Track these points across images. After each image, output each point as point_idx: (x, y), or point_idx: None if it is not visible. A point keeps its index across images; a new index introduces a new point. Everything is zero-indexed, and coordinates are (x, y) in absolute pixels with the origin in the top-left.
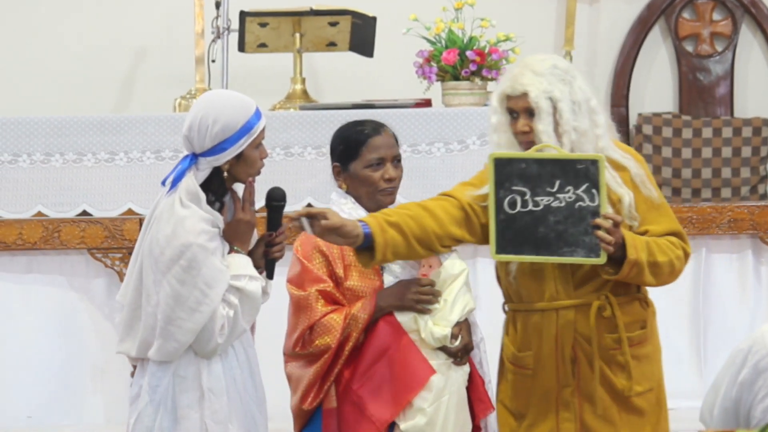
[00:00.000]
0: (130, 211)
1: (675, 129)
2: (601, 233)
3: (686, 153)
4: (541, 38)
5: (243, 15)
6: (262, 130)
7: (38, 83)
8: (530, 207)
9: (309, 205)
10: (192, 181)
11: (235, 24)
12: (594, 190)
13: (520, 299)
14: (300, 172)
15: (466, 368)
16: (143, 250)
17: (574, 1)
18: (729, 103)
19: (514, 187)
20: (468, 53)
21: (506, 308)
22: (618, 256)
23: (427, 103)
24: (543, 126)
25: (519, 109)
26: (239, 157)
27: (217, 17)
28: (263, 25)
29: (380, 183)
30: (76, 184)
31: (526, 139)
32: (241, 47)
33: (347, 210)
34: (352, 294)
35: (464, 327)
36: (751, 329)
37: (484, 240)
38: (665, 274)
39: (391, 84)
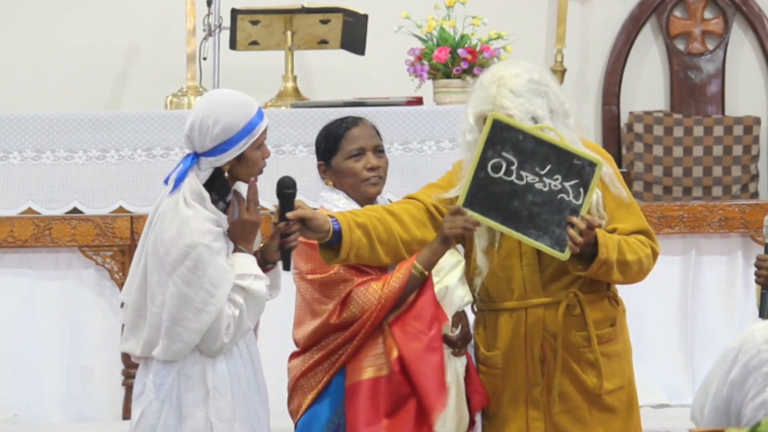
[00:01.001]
0: (121, 209)
1: (666, 127)
2: (572, 231)
3: (677, 151)
4: (533, 36)
5: (234, 12)
6: (264, 131)
7: (29, 80)
8: (513, 178)
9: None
10: (195, 180)
11: (226, 21)
12: (581, 190)
13: (489, 299)
14: (291, 170)
15: (464, 359)
16: (147, 249)
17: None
18: (720, 101)
19: (504, 153)
20: (459, 51)
21: (475, 309)
22: (588, 254)
23: (418, 101)
24: None
25: None
26: (240, 157)
27: (208, 15)
28: (255, 22)
29: (362, 173)
30: (67, 182)
31: None
32: (233, 45)
33: (341, 205)
34: None
35: (463, 317)
36: (741, 328)
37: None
38: (633, 272)
39: (382, 82)
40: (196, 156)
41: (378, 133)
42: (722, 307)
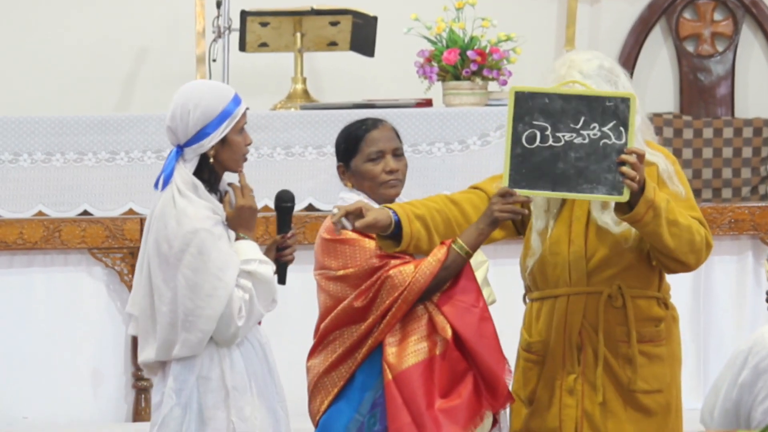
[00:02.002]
0: (131, 211)
1: (676, 129)
2: (625, 169)
3: (687, 153)
4: (542, 38)
5: (244, 14)
6: (244, 115)
7: (39, 83)
8: (550, 142)
9: (311, 206)
10: (184, 171)
11: (236, 23)
12: (622, 128)
13: (536, 287)
14: (301, 172)
15: None
16: (149, 252)
17: (575, 1)
18: (730, 103)
19: (535, 122)
20: (469, 53)
21: (527, 299)
22: (637, 200)
23: (427, 102)
24: None
25: None
26: (223, 142)
27: (218, 17)
28: (264, 24)
29: (382, 176)
30: (77, 184)
31: None
32: (242, 47)
33: None
34: None
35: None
36: (751, 330)
37: (515, 234)
38: (685, 240)
39: (391, 84)
40: (179, 149)
41: (398, 136)
42: (732, 309)
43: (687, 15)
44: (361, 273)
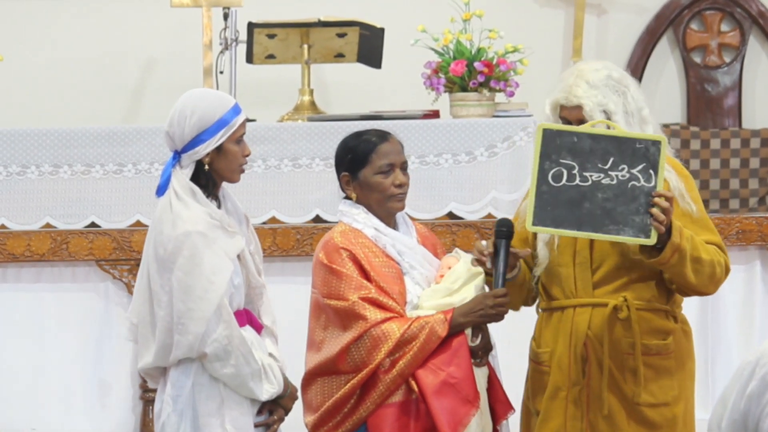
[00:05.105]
0: (138, 223)
1: (683, 140)
2: (656, 211)
3: (694, 164)
4: (550, 49)
5: (251, 26)
6: (242, 125)
7: (47, 95)
8: (577, 181)
9: (318, 218)
10: (181, 176)
11: (243, 35)
12: (651, 171)
13: (548, 297)
14: (308, 184)
15: (486, 370)
16: (149, 257)
17: (582, 12)
18: (737, 114)
19: (562, 160)
20: (476, 64)
21: (539, 309)
22: (664, 243)
23: (435, 114)
24: None
25: (573, 119)
26: (219, 151)
27: (225, 28)
28: (271, 36)
29: (391, 189)
30: (85, 196)
31: None
32: (249, 58)
33: (361, 219)
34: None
35: (484, 327)
36: (759, 341)
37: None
38: (706, 275)
39: (399, 95)
40: (176, 155)
41: (403, 149)
42: (740, 319)
43: (694, 26)
44: (342, 312)
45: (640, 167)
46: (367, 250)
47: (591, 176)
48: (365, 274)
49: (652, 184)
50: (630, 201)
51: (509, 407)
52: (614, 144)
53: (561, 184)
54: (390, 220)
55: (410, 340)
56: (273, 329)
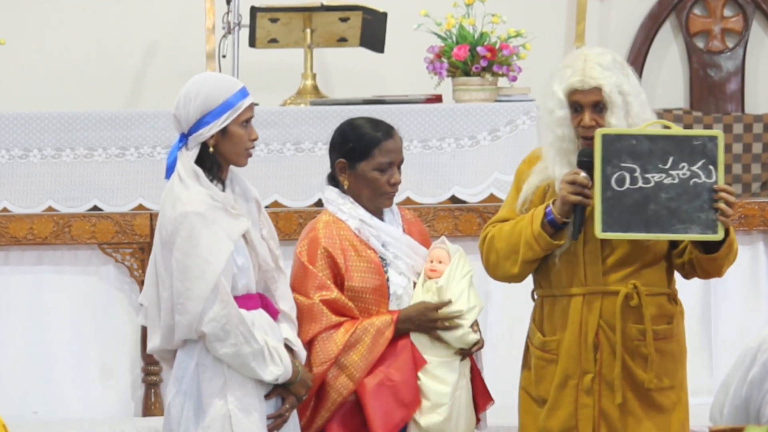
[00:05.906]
0: (140, 206)
1: (686, 125)
2: (723, 206)
3: None
4: (552, 34)
5: (254, 10)
6: (249, 108)
7: (49, 78)
8: (640, 184)
9: (320, 202)
10: (186, 159)
11: (245, 19)
12: (711, 167)
13: (550, 284)
14: (311, 168)
15: (468, 362)
16: (156, 241)
17: None
18: (740, 99)
19: (623, 164)
20: (479, 49)
21: (535, 295)
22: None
23: (437, 98)
24: (616, 120)
25: (586, 103)
26: (225, 133)
27: (227, 13)
28: (274, 20)
29: (385, 186)
30: (87, 179)
31: (590, 134)
32: (252, 43)
33: (347, 210)
34: (353, 294)
35: (476, 323)
36: (762, 326)
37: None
38: (730, 263)
39: (401, 79)
40: (183, 138)
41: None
42: (743, 305)
43: (697, 11)
44: (301, 308)
45: (699, 164)
46: (347, 244)
47: (653, 177)
48: (339, 272)
49: (713, 179)
50: (693, 198)
51: (489, 398)
52: (672, 143)
53: (625, 188)
54: (376, 211)
55: (355, 343)
56: (291, 315)
